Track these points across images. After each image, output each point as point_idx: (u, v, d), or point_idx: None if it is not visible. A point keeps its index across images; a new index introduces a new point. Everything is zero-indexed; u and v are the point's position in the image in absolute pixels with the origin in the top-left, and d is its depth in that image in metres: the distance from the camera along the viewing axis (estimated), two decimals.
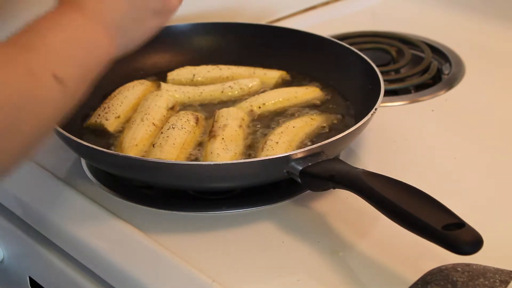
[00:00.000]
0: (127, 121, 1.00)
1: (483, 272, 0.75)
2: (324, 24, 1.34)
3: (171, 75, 1.10)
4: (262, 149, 0.93)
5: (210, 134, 0.95)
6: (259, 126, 1.00)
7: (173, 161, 0.90)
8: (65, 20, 0.74)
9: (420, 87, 1.16)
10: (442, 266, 0.76)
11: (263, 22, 1.32)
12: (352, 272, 0.81)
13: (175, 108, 1.02)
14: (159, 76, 1.10)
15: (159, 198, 0.93)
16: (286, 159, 0.85)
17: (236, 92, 1.06)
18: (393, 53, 1.23)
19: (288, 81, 1.10)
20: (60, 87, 0.69)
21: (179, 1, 0.84)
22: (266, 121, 1.01)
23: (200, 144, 0.96)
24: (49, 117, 0.70)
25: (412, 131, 1.05)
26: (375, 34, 1.29)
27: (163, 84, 1.06)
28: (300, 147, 0.94)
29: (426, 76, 1.17)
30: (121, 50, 0.80)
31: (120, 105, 1.01)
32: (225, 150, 0.92)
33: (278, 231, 0.86)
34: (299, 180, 0.85)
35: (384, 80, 0.99)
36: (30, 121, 0.67)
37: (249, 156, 0.93)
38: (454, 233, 0.71)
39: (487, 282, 0.73)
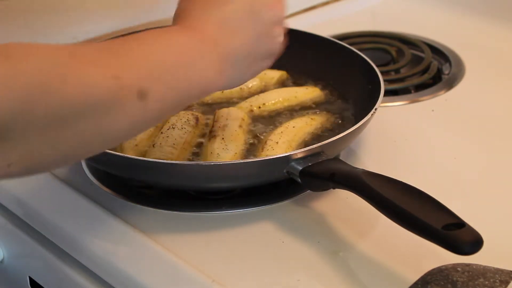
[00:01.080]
0: None
1: (483, 272, 0.75)
2: (324, 24, 1.34)
3: None
4: (262, 149, 0.93)
5: (210, 134, 0.95)
6: (259, 126, 1.00)
7: (173, 161, 0.90)
8: (177, 39, 0.70)
9: (420, 87, 1.16)
10: (442, 266, 0.76)
11: None
12: (352, 272, 0.81)
13: None
14: None
15: (159, 198, 0.93)
16: (286, 159, 0.85)
17: (236, 92, 1.06)
18: (393, 53, 1.23)
19: (288, 81, 1.10)
20: (141, 103, 0.64)
21: (283, 46, 0.81)
22: (266, 121, 1.01)
23: (200, 144, 0.96)
24: (116, 128, 0.65)
25: (412, 131, 1.05)
26: (375, 34, 1.29)
27: None
28: (300, 147, 0.94)
29: (426, 76, 1.17)
30: (226, 86, 0.76)
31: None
32: (225, 150, 0.92)
33: (278, 231, 0.86)
34: (299, 180, 0.85)
35: (384, 80, 0.99)
36: (94, 123, 0.62)
37: (249, 156, 0.93)
38: (454, 233, 0.71)
39: (487, 282, 0.73)
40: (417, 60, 1.22)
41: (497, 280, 0.74)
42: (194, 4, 0.75)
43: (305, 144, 0.96)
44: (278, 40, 0.79)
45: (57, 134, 0.61)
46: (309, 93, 1.06)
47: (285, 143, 0.93)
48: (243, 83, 0.79)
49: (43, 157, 0.62)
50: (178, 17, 0.74)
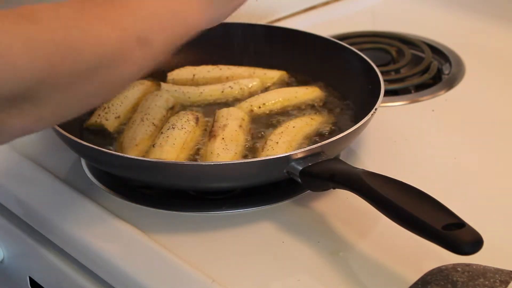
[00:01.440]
0: (127, 121, 1.00)
1: (483, 272, 0.75)
2: (324, 24, 1.34)
3: (171, 75, 1.10)
4: (262, 149, 0.93)
5: (210, 134, 0.95)
6: (259, 126, 1.00)
7: (173, 161, 0.90)
8: None
9: (420, 87, 1.16)
10: (442, 266, 0.76)
11: (263, 22, 1.32)
12: (352, 272, 0.81)
13: (175, 108, 1.02)
14: (159, 76, 1.10)
15: (159, 198, 0.93)
16: (286, 159, 0.85)
17: (236, 92, 1.06)
18: (393, 53, 1.23)
19: (288, 81, 1.10)
20: (144, 48, 0.71)
21: None
22: (266, 121, 1.01)
23: (200, 144, 0.96)
24: (125, 75, 0.71)
25: (412, 131, 1.05)
26: (375, 34, 1.29)
27: (163, 84, 1.06)
28: (300, 147, 0.94)
29: (426, 76, 1.17)
30: (209, 23, 0.81)
31: (120, 105, 1.01)
32: (225, 150, 0.92)
33: (278, 231, 0.86)
34: (299, 180, 0.85)
35: (384, 80, 0.99)
36: (107, 74, 0.69)
37: (249, 156, 0.93)
38: (454, 233, 0.71)
39: (487, 282, 0.73)
40: (417, 60, 1.22)
41: (497, 280, 0.74)
42: None
43: (305, 144, 0.96)
44: None
45: (81, 88, 0.67)
46: (309, 93, 1.06)
47: (285, 143, 0.93)
48: (226, 17, 0.85)
49: (69, 110, 0.69)
50: None
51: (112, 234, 0.86)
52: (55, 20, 0.65)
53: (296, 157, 0.85)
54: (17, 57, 0.61)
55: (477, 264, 0.76)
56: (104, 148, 0.89)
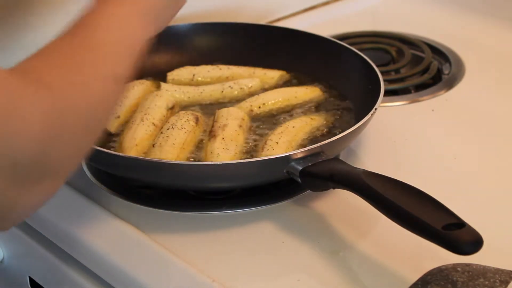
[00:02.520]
0: (127, 121, 1.00)
1: (483, 272, 0.75)
2: (324, 24, 1.34)
3: (171, 75, 1.10)
4: (262, 149, 0.93)
5: (210, 134, 0.95)
6: (259, 126, 1.00)
7: (173, 161, 0.90)
8: (109, 14, 0.75)
9: (420, 87, 1.16)
10: (442, 266, 0.76)
11: (263, 22, 1.32)
12: (352, 272, 0.81)
13: (175, 108, 1.02)
14: (159, 76, 1.10)
15: (159, 198, 0.93)
16: (286, 159, 0.85)
17: (236, 92, 1.06)
18: (393, 53, 1.23)
19: (288, 81, 1.10)
20: (119, 86, 0.72)
21: None
22: (266, 121, 1.01)
23: (200, 144, 0.96)
24: (109, 117, 0.73)
25: (412, 131, 1.05)
26: (375, 34, 1.29)
27: (163, 84, 1.06)
28: (300, 147, 0.94)
29: (426, 76, 1.17)
30: (152, 34, 0.81)
31: (120, 105, 1.01)
32: (225, 150, 0.92)
33: (278, 231, 0.86)
34: (299, 180, 0.85)
35: (384, 80, 0.99)
36: (100, 122, 0.71)
37: (249, 156, 0.93)
38: (454, 233, 0.71)
39: (487, 282, 0.73)
40: (417, 60, 1.22)
41: (497, 280, 0.74)
42: None
43: (305, 144, 0.95)
44: None
45: (84, 139, 0.68)
46: (309, 93, 1.06)
47: (285, 143, 0.93)
48: (167, 24, 0.84)
49: (75, 164, 0.69)
50: None
51: (112, 234, 0.86)
52: (59, 79, 0.65)
53: (296, 157, 0.85)
54: (32, 126, 0.61)
55: (477, 264, 0.76)
56: (104, 148, 0.89)
